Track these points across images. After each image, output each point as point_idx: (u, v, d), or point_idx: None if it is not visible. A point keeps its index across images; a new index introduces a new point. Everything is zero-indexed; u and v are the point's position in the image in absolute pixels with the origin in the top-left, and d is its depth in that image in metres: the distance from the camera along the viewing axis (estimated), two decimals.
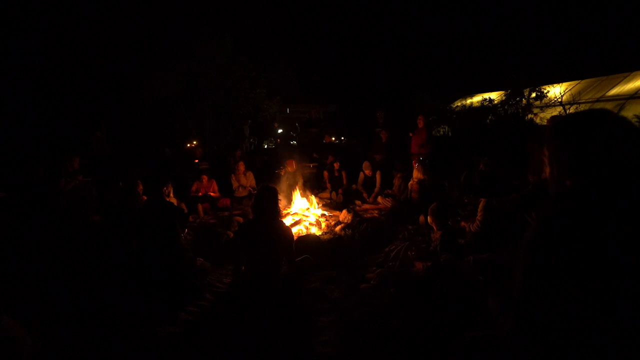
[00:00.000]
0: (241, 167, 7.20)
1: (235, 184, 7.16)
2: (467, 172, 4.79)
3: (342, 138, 10.25)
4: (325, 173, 7.63)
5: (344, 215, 5.60)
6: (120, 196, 4.16)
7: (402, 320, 2.73)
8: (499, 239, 3.61)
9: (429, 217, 3.95)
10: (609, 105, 7.66)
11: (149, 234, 3.57)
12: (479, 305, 2.56)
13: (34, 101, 8.89)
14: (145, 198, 4.12)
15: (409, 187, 5.86)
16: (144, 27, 10.44)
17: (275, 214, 3.13)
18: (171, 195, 5.45)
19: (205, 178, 6.77)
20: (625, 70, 8.70)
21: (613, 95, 8.05)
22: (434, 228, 3.92)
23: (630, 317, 0.86)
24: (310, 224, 5.40)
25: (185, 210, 5.48)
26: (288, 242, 3.14)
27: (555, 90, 7.86)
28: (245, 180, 7.22)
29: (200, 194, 6.63)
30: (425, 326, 2.63)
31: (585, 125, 1.02)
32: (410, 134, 7.58)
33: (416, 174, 5.74)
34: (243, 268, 3.06)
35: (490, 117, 8.01)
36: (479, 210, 3.98)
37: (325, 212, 6.14)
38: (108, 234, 3.62)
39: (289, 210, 5.82)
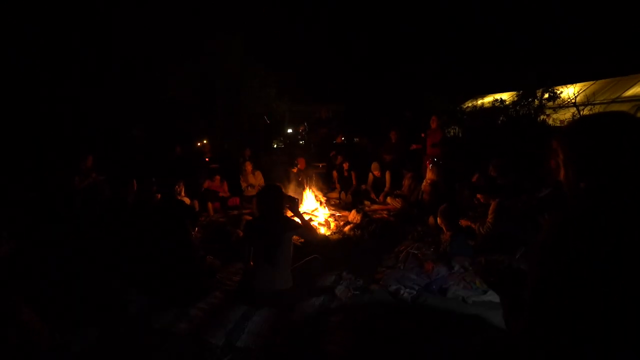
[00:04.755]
0: (248, 167, 7.27)
1: (244, 184, 7.22)
2: (478, 174, 4.76)
3: (354, 139, 10.25)
4: (335, 173, 7.63)
5: (353, 216, 5.60)
6: (135, 194, 4.23)
7: (412, 322, 2.72)
8: (510, 241, 3.58)
9: (438, 219, 3.94)
10: (625, 107, 7.51)
11: (160, 232, 3.62)
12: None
13: (47, 100, 9.05)
14: (159, 196, 4.19)
15: (422, 188, 5.84)
16: (154, 26, 10.55)
17: (280, 212, 3.16)
18: (182, 193, 5.52)
19: (217, 179, 6.84)
20: None
21: (629, 96, 7.90)
22: (444, 229, 3.91)
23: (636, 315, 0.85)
24: (320, 223, 5.42)
25: (197, 209, 5.55)
26: (301, 226, 3.16)
27: (569, 91, 7.75)
28: (253, 180, 7.27)
29: (209, 193, 6.70)
30: (436, 328, 2.62)
31: (599, 128, 1.02)
32: (422, 135, 7.52)
33: (429, 175, 5.71)
34: (252, 264, 3.10)
35: (501, 118, 7.93)
36: (489, 212, 3.95)
37: (335, 212, 6.16)
38: (121, 231, 3.68)
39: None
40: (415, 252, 3.84)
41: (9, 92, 8.50)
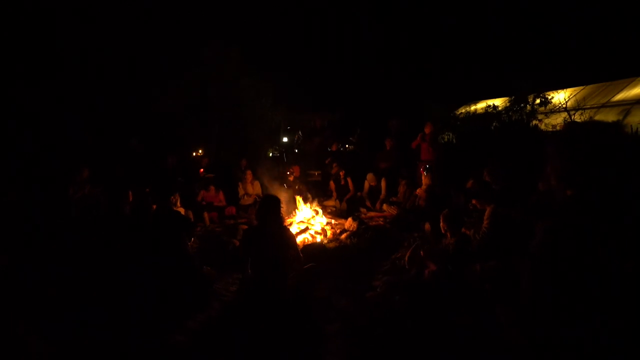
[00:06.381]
0: (249, 176, 7.31)
1: (241, 192, 7.22)
2: (473, 180, 4.80)
3: (347, 146, 10.28)
4: (332, 183, 7.62)
5: (349, 223, 5.60)
6: (132, 205, 4.22)
7: (409, 328, 2.72)
8: (505, 247, 3.59)
9: (441, 224, 3.92)
10: (614, 111, 7.63)
11: (156, 243, 3.61)
12: (486, 313, 2.55)
13: (41, 109, 9.00)
14: (155, 207, 4.18)
15: (418, 194, 5.86)
16: (151, 37, 10.61)
17: (278, 221, 3.19)
18: (178, 204, 5.50)
19: (212, 188, 6.85)
20: (631, 75, 8.68)
21: (618, 101, 8.02)
22: (448, 235, 3.89)
23: (627, 315, 0.88)
24: (316, 232, 5.42)
25: (192, 219, 5.54)
26: (293, 249, 3.17)
27: (559, 96, 7.85)
28: (251, 189, 7.29)
29: (204, 203, 6.68)
30: (432, 334, 2.62)
31: (582, 142, 1.06)
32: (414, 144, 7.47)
33: (425, 181, 5.76)
34: (249, 272, 3.10)
35: (494, 124, 8.00)
36: (485, 217, 3.96)
37: (331, 220, 6.16)
38: (117, 242, 3.66)
39: (294, 219, 5.84)
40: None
41: (2, 104, 8.45)
